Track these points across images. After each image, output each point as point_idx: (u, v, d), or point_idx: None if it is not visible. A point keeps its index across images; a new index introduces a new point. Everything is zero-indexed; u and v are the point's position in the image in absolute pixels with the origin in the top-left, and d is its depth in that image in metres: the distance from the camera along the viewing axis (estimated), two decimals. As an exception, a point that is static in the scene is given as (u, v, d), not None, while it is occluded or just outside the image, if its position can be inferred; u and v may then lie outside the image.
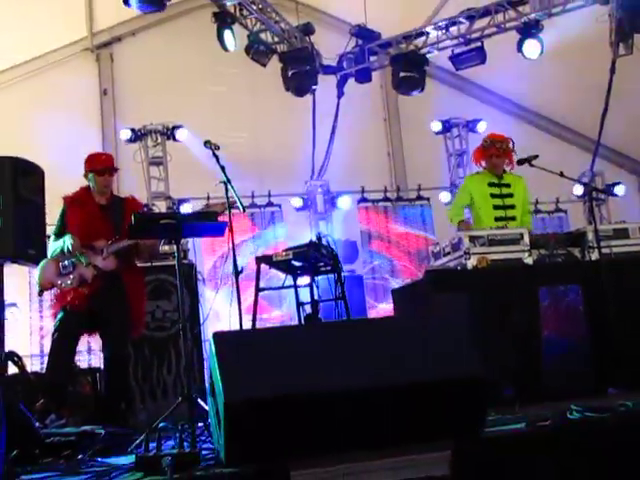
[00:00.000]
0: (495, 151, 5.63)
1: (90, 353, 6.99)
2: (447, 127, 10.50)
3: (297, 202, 10.18)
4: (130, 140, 8.95)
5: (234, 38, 8.20)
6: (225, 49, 8.23)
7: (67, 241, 4.66)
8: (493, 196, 5.57)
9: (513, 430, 3.40)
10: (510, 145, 5.68)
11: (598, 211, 10.52)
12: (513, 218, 5.50)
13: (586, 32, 8.84)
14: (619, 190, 11.02)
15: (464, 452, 3.10)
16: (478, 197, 5.61)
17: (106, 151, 8.60)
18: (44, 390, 4.70)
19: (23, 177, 5.34)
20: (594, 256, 5.12)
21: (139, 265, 5.10)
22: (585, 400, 4.17)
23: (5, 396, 3.46)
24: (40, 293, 4.83)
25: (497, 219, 5.49)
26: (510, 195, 5.62)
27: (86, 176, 4.95)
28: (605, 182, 11.17)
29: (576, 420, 3.45)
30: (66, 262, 4.71)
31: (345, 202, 10.41)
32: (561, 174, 5.39)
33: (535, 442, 3.22)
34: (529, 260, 5.06)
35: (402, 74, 9.22)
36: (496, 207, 5.53)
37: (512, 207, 5.58)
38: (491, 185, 5.61)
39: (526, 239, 5.08)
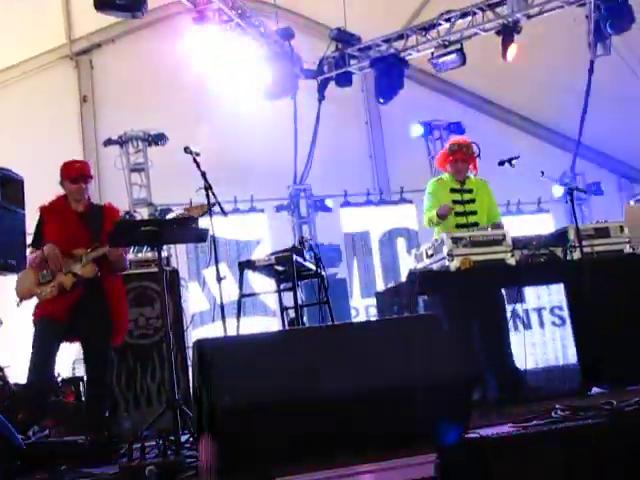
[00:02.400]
0: (461, 156, 5.62)
1: (74, 362, 6.93)
2: (428, 129, 10.54)
3: (280, 207, 10.18)
4: (111, 148, 8.91)
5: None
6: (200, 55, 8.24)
7: (46, 250, 4.62)
8: (454, 202, 5.55)
9: (498, 431, 3.40)
10: (475, 149, 5.68)
11: (580, 211, 10.59)
12: (475, 224, 5.47)
13: (565, 33, 8.92)
14: (600, 187, 11.12)
15: (449, 454, 3.09)
16: (439, 203, 5.56)
17: (87, 158, 8.55)
18: (26, 401, 4.65)
19: (3, 186, 5.30)
20: (576, 255, 5.14)
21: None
22: (570, 399, 4.20)
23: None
24: (19, 303, 4.77)
25: (458, 226, 5.46)
26: (472, 201, 5.59)
27: (62, 184, 4.90)
28: (586, 182, 11.26)
29: (560, 420, 3.45)
30: (45, 271, 4.66)
31: (328, 206, 10.42)
32: (542, 174, 5.42)
33: (520, 443, 3.22)
34: (512, 261, 5.07)
35: (382, 78, 9.25)
36: (457, 214, 5.51)
37: (474, 213, 5.56)
38: (453, 191, 5.60)
39: (508, 240, 5.10)
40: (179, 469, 3.17)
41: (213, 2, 8.15)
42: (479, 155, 5.66)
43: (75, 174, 4.84)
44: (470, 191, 5.61)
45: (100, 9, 7.09)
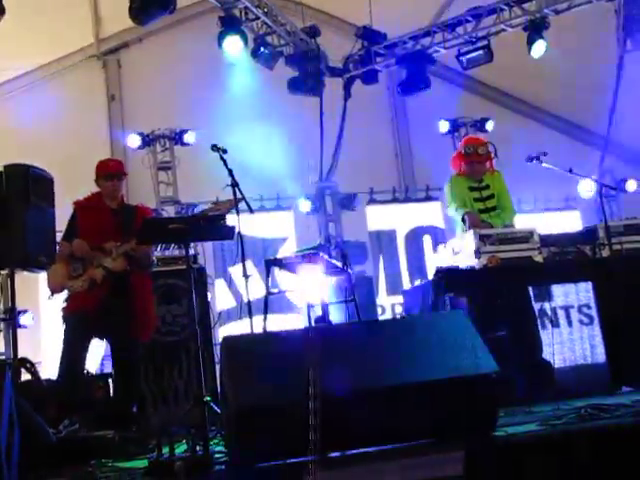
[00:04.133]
0: (477, 157, 5.60)
1: (103, 358, 7.01)
2: (455, 126, 10.47)
3: (306, 204, 10.19)
4: (139, 147, 8.98)
5: (244, 42, 8.18)
6: (227, 54, 8.24)
7: (75, 245, 4.70)
8: (475, 200, 5.53)
9: (526, 430, 3.38)
10: (490, 148, 5.65)
11: (609, 208, 10.46)
12: (497, 218, 5.47)
13: (594, 28, 8.82)
14: (630, 186, 10.98)
15: (477, 452, 3.09)
16: (461, 200, 5.54)
17: (114, 157, 8.63)
18: (56, 396, 4.71)
19: (34, 184, 5.39)
20: (605, 253, 5.09)
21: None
22: (598, 398, 4.16)
23: (18, 403, 3.47)
24: (51, 296, 4.84)
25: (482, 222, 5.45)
26: (491, 196, 5.58)
27: (97, 182, 5.01)
28: (615, 178, 11.12)
29: (589, 419, 3.43)
30: (76, 264, 4.73)
31: (354, 204, 10.39)
32: (570, 171, 5.37)
33: (548, 442, 3.20)
34: (539, 258, 5.03)
35: (408, 75, 9.22)
36: (480, 211, 5.50)
37: (494, 209, 5.55)
38: (472, 189, 5.59)
39: (536, 237, 5.06)
40: (207, 464, 3.19)
41: (240, 0, 8.17)
42: (495, 154, 5.63)
43: (109, 172, 4.95)
44: (488, 187, 5.59)
45: (137, 19, 7.13)
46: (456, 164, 5.78)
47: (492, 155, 5.63)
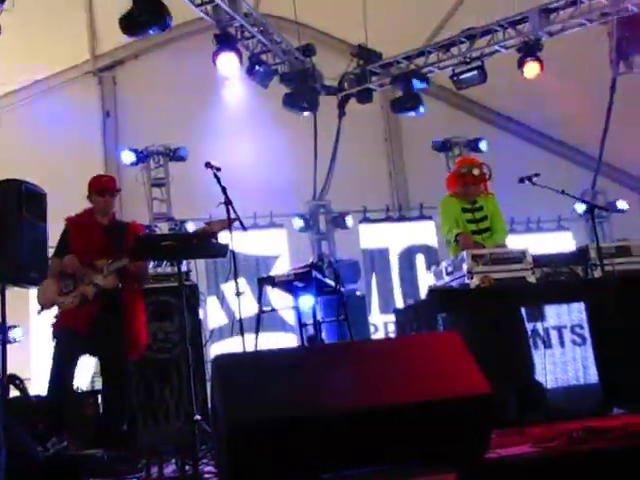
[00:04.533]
0: (471, 179, 5.60)
1: (93, 375, 6.96)
2: (448, 146, 10.51)
3: (299, 223, 10.19)
4: (132, 163, 8.98)
5: (239, 60, 8.20)
6: (222, 72, 8.27)
7: (66, 261, 4.68)
8: (469, 221, 5.53)
9: (518, 452, 3.36)
10: (485, 170, 5.65)
11: (600, 229, 10.50)
12: (489, 239, 5.46)
13: (586, 51, 8.89)
14: (621, 205, 11.04)
15: (469, 474, 3.06)
16: (455, 221, 5.55)
17: (108, 173, 8.62)
18: (45, 413, 4.67)
19: (27, 200, 5.36)
20: (597, 274, 5.09)
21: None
22: (590, 420, 4.14)
23: (6, 419, 3.44)
24: (40, 312, 4.81)
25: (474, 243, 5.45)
26: (485, 218, 5.58)
27: (89, 197, 5.00)
28: (607, 200, 11.17)
29: (581, 441, 3.41)
30: (67, 281, 4.71)
31: (347, 222, 10.42)
32: (562, 192, 5.38)
33: (540, 464, 3.18)
34: (532, 279, 5.03)
35: (402, 94, 9.28)
36: (473, 232, 5.50)
37: (487, 230, 5.55)
38: (465, 211, 5.59)
39: (529, 257, 5.06)
40: (197, 484, 3.17)
41: (235, 19, 8.20)
42: (490, 176, 5.63)
43: (102, 187, 4.95)
44: (481, 208, 5.60)
45: (128, 32, 7.16)
46: (451, 185, 5.78)
47: (487, 177, 5.63)
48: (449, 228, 5.58)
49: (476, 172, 5.60)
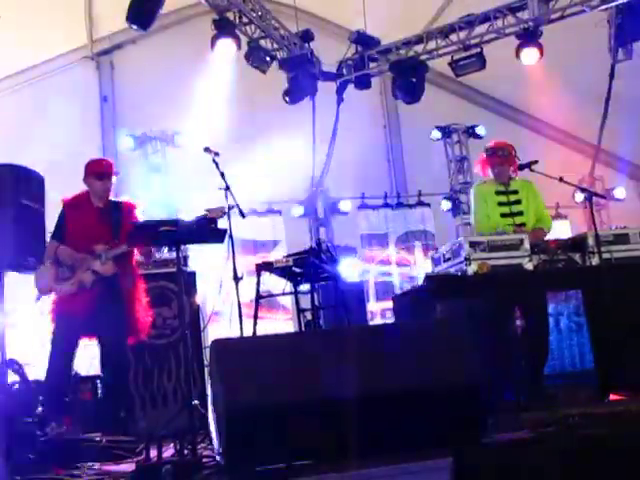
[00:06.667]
0: (497, 159, 5.58)
1: (91, 359, 6.98)
2: (447, 133, 10.51)
3: (297, 209, 10.19)
4: (130, 149, 8.96)
5: (237, 45, 8.16)
6: (220, 57, 8.25)
7: (60, 253, 4.70)
8: (500, 204, 5.51)
9: (515, 437, 3.39)
10: (512, 152, 5.63)
11: (598, 216, 10.52)
12: (522, 225, 5.44)
13: (587, 37, 8.86)
14: (619, 193, 11.06)
15: (465, 459, 3.09)
16: (486, 206, 5.55)
17: (106, 157, 8.61)
18: (44, 398, 4.68)
19: (24, 184, 5.35)
20: (595, 261, 5.10)
21: (139, 272, 5.11)
22: (586, 406, 4.17)
23: (5, 404, 3.45)
24: (38, 298, 4.82)
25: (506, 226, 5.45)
26: (518, 202, 5.54)
27: (86, 181, 4.99)
28: (605, 187, 11.19)
29: (578, 426, 3.44)
30: (64, 267, 4.71)
31: (345, 208, 10.43)
32: (560, 179, 5.38)
33: (537, 449, 3.21)
34: (529, 265, 5.04)
35: (401, 80, 9.24)
36: (503, 215, 5.47)
37: (520, 214, 5.51)
38: (498, 193, 5.55)
39: (526, 244, 5.07)
40: (195, 468, 3.18)
41: (233, 4, 8.16)
42: (516, 156, 5.61)
43: (101, 171, 4.94)
44: (515, 192, 5.56)
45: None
46: (481, 168, 5.78)
47: (514, 158, 5.60)
48: (476, 213, 5.62)
49: (501, 153, 5.58)
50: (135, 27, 7.18)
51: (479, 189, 5.70)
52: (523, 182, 5.65)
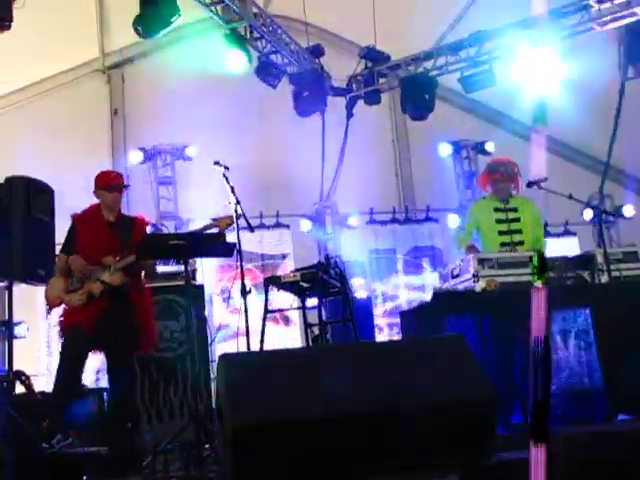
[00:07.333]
0: (500, 176, 5.58)
1: (97, 373, 6.98)
2: (456, 149, 10.52)
3: (306, 224, 10.20)
4: (140, 162, 9.01)
5: (249, 59, 8.20)
6: (231, 71, 8.27)
7: (71, 261, 4.70)
8: (498, 221, 5.51)
9: (522, 455, 3.36)
10: (515, 169, 5.63)
11: (607, 233, 10.48)
12: (521, 243, 5.43)
13: (595, 55, 8.86)
14: (627, 211, 11.02)
15: (472, 476, 3.07)
16: (483, 223, 5.56)
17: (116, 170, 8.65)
18: (51, 410, 4.68)
19: (35, 197, 5.39)
20: (604, 279, 5.08)
21: (147, 285, 5.11)
22: (595, 426, 4.14)
23: (11, 416, 3.45)
24: (49, 311, 4.83)
25: (503, 244, 5.44)
26: (517, 219, 5.55)
27: (96, 193, 4.99)
28: (615, 204, 11.15)
29: (587, 446, 3.41)
30: (74, 278, 4.72)
31: (354, 223, 10.44)
32: (570, 196, 5.38)
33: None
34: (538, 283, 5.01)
35: (411, 96, 9.27)
36: (501, 232, 5.47)
37: (519, 232, 5.51)
38: (497, 210, 5.56)
39: (535, 262, 5.04)
40: (201, 483, 3.18)
41: (244, 19, 8.21)
42: (519, 173, 5.61)
43: (111, 183, 4.94)
44: (514, 210, 5.56)
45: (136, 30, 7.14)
46: (482, 184, 5.78)
47: (517, 175, 5.60)
48: (463, 238, 5.61)
49: (503, 170, 5.58)
50: (140, 30, 7.18)
51: (475, 206, 5.72)
52: (523, 199, 5.65)
